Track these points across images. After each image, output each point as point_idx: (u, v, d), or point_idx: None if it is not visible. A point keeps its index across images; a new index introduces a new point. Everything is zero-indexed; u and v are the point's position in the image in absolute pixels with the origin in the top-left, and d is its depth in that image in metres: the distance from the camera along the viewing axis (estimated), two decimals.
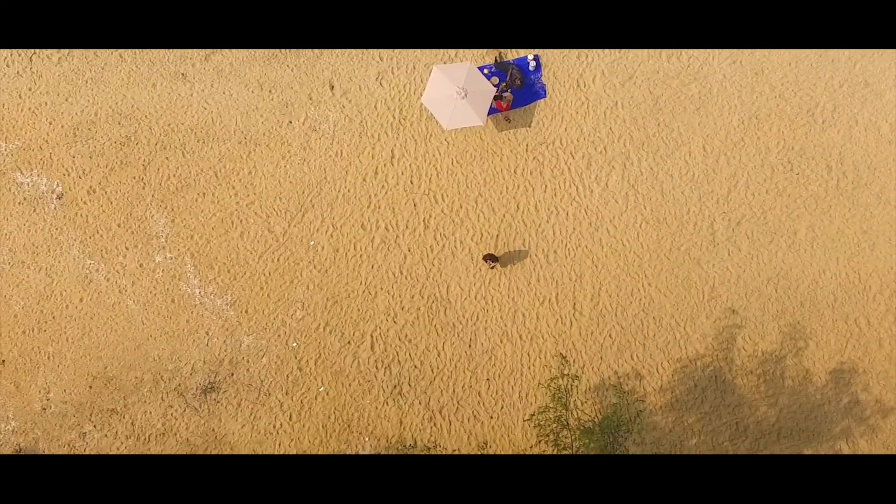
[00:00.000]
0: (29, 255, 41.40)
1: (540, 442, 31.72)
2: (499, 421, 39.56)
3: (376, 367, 40.26)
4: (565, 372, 32.29)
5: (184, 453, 39.90)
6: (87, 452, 40.12)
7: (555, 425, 31.76)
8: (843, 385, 40.15)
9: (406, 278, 40.68)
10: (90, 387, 40.58)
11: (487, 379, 40.00)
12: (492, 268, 40.33)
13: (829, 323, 40.55)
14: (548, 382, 32.41)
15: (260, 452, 39.84)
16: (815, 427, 39.91)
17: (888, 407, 40.14)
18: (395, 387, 40.07)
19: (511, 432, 39.43)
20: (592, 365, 39.63)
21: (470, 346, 40.26)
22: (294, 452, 39.78)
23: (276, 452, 39.82)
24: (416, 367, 40.18)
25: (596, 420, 31.85)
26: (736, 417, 39.98)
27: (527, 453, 32.14)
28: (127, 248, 41.11)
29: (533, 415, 32.73)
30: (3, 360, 40.88)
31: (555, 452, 31.63)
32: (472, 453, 32.07)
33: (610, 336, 40.07)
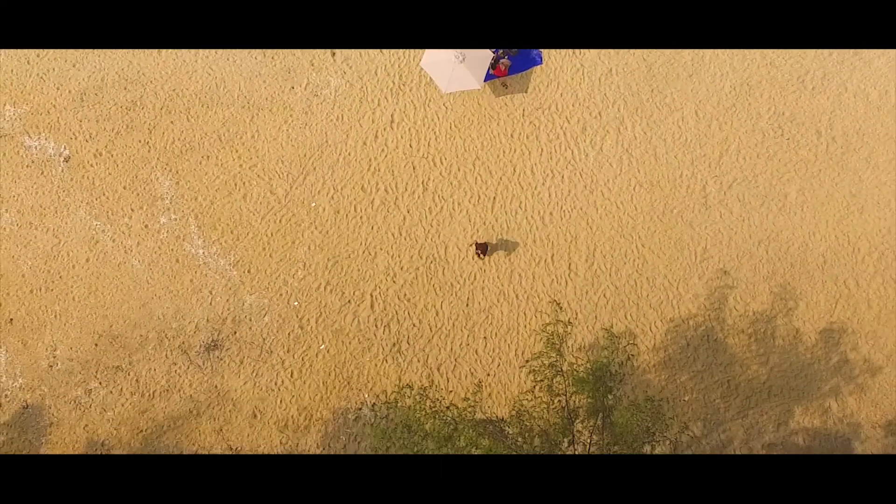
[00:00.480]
0: (37, 216, 42.33)
1: (535, 388, 32.54)
2: (495, 378, 40.47)
3: (376, 326, 41.15)
4: (559, 318, 33.14)
5: (188, 409, 40.78)
6: (92, 409, 40.99)
7: (549, 371, 32.60)
8: (833, 345, 41.04)
9: (405, 239, 41.61)
10: (96, 344, 41.47)
11: (484, 337, 40.90)
12: (481, 257, 40.92)
13: (819, 284, 41.46)
14: (542, 328, 33.26)
15: (262, 408, 40.71)
16: (804, 385, 40.79)
17: (876, 366, 41.01)
18: (394, 345, 40.95)
19: (507, 388, 40.34)
20: (587, 324, 40.53)
21: (467, 305, 41.16)
22: (295, 409, 40.64)
23: (277, 409, 40.68)
24: (414, 325, 41.08)
25: (589, 368, 32.69)
26: (727, 376, 40.86)
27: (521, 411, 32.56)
28: (132, 210, 42.04)
29: (528, 361, 33.59)
30: (11, 319, 41.78)
31: (549, 400, 32.46)
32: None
33: (604, 296, 40.98)
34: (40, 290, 42.07)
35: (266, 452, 40.24)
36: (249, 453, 40.27)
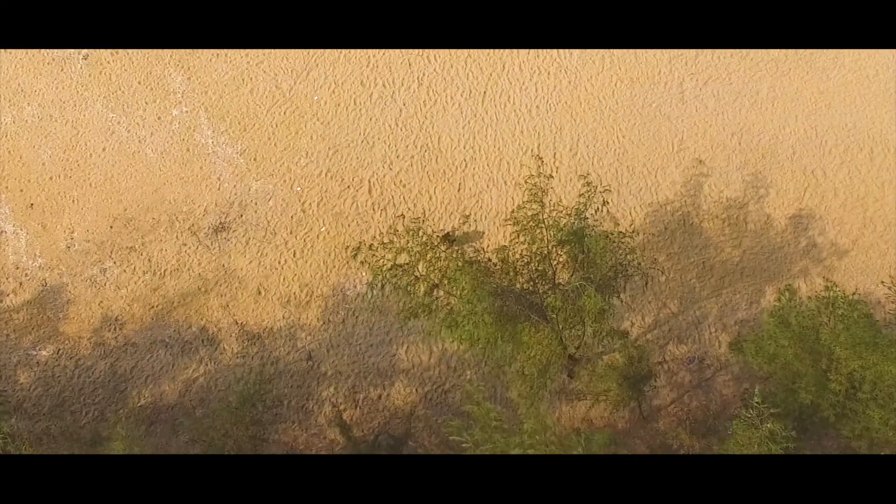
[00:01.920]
0: (56, 109, 45.29)
1: (519, 235, 35.15)
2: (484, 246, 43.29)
3: (373, 210, 43.93)
4: (541, 172, 35.72)
5: (197, 287, 43.46)
6: (107, 286, 43.68)
7: (531, 223, 35.19)
8: (802, 229, 43.75)
9: (401, 130, 44.49)
10: (111, 227, 44.25)
11: (474, 220, 43.62)
12: (449, 244, 43.10)
13: (789, 174, 44.26)
14: (525, 181, 35.84)
15: (266, 286, 43.35)
16: (775, 267, 43.43)
17: (843, 250, 43.66)
18: (390, 227, 43.65)
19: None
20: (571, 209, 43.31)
21: (459, 190, 43.92)
22: (297, 286, 43.27)
23: (280, 285, 43.34)
24: (409, 209, 43.83)
25: (569, 223, 35.23)
26: (702, 257, 43.54)
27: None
28: (146, 103, 44.97)
29: (512, 212, 36.18)
30: (32, 204, 44.61)
31: (532, 249, 35.06)
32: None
33: (587, 183, 43.73)
34: (59, 177, 44.93)
35: (269, 325, 42.78)
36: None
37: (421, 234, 34.37)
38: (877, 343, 29.94)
